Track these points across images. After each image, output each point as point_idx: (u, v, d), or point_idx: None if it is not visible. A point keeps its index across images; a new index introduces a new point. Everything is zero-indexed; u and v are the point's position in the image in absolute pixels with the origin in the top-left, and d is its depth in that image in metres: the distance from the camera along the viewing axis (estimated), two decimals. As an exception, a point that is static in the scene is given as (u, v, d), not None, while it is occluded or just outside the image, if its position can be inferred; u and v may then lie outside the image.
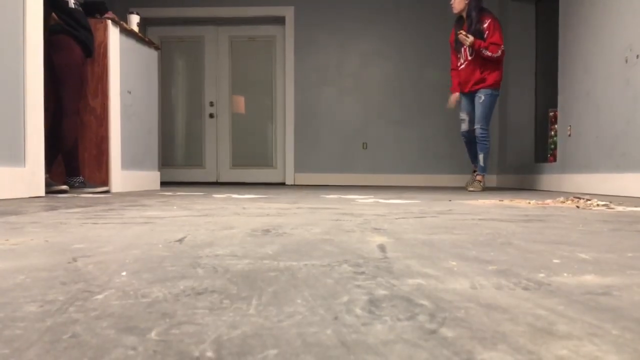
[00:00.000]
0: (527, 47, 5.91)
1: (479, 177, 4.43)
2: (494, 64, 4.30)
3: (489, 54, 4.22)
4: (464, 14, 4.33)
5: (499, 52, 4.23)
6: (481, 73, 4.32)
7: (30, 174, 2.82)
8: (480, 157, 4.40)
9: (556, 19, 4.81)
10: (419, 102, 6.44)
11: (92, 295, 0.59)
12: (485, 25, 4.24)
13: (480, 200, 2.80)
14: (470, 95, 4.45)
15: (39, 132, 2.91)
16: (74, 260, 0.83)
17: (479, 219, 1.62)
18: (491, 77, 4.31)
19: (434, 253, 0.92)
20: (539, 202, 2.54)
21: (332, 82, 6.53)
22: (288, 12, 6.52)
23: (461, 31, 4.24)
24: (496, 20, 4.30)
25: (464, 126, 4.55)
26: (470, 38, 4.21)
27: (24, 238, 1.09)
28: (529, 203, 2.52)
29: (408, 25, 6.44)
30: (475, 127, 4.39)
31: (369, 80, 6.50)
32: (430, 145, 6.44)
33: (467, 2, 4.28)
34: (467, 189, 4.54)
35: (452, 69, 4.64)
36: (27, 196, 2.78)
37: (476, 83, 4.35)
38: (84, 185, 3.50)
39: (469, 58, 4.37)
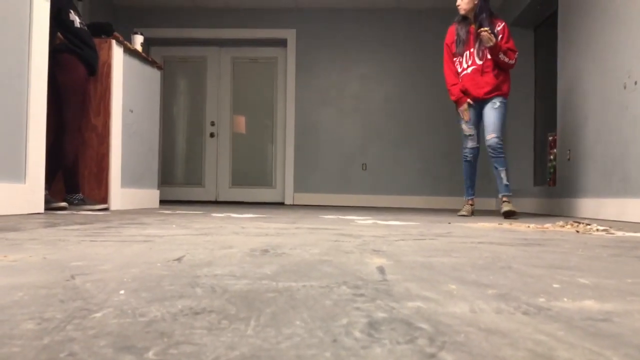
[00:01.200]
0: (527, 71, 5.97)
1: (508, 197, 3.75)
2: (506, 72, 3.82)
3: (507, 60, 3.72)
4: (471, 16, 3.81)
5: (515, 59, 3.77)
6: (497, 79, 3.76)
7: (30, 190, 2.82)
8: (503, 174, 3.76)
9: (555, 44, 4.87)
10: (418, 124, 6.47)
11: (90, 314, 0.59)
12: (499, 29, 3.76)
13: (479, 224, 2.80)
14: (479, 105, 3.86)
15: (40, 149, 2.92)
16: (72, 277, 0.82)
17: (478, 242, 1.62)
18: (506, 86, 3.82)
19: (433, 276, 0.92)
20: (538, 226, 2.54)
21: (332, 104, 6.57)
22: (290, 35, 6.60)
23: (485, 28, 3.64)
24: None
25: (471, 143, 3.91)
26: (494, 38, 3.64)
27: (22, 255, 1.09)
28: (528, 227, 2.52)
29: (408, 47, 6.52)
30: (491, 136, 3.74)
31: (369, 101, 6.54)
32: (430, 166, 6.45)
33: (476, 2, 3.76)
34: (459, 215, 3.94)
35: (448, 76, 3.96)
36: (26, 212, 2.78)
37: (492, 90, 3.77)
38: (83, 202, 3.50)
39: (478, 62, 3.80)
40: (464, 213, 3.92)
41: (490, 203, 6.34)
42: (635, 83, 3.43)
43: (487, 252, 1.34)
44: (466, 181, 4.04)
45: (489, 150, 3.77)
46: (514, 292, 0.78)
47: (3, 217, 2.42)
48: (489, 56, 3.76)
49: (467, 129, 3.89)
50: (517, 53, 3.77)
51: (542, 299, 0.73)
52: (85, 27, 3.55)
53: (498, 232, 2.17)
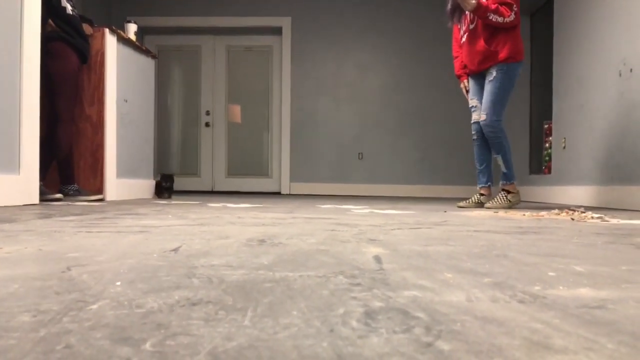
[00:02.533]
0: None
1: (508, 187, 3.43)
2: (506, 32, 3.21)
3: (498, 18, 3.12)
4: None
5: (512, 15, 3.13)
6: (489, 45, 3.22)
7: (24, 181, 2.81)
8: (500, 161, 3.37)
9: (551, 31, 4.85)
10: (416, 112, 6.46)
11: (87, 305, 0.59)
12: None
13: (475, 212, 2.81)
14: (481, 76, 3.40)
15: (34, 140, 2.90)
16: (68, 269, 0.82)
17: (474, 231, 1.63)
18: (505, 50, 3.20)
19: (429, 265, 0.92)
20: (534, 214, 2.55)
21: (328, 92, 6.55)
22: (285, 23, 6.56)
23: None
24: None
25: (474, 116, 3.46)
26: (472, 0, 3.09)
27: (18, 246, 1.09)
28: (524, 215, 2.53)
29: (405, 34, 6.48)
30: (482, 118, 3.30)
31: (365, 89, 6.52)
32: (427, 155, 6.45)
33: None
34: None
35: (453, 47, 3.62)
36: (21, 204, 2.77)
37: (485, 60, 3.26)
38: (78, 193, 3.48)
39: (470, 28, 3.32)
40: (462, 204, 3.52)
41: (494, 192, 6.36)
42: (631, 70, 3.43)
43: (483, 240, 1.35)
44: (476, 164, 3.59)
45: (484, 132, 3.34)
46: (509, 281, 0.78)
47: (-2, 209, 2.41)
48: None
49: (470, 101, 3.50)
50: (514, 6, 3.15)
51: (537, 287, 0.73)
52: (77, 15, 3.51)
53: (493, 220, 2.18)
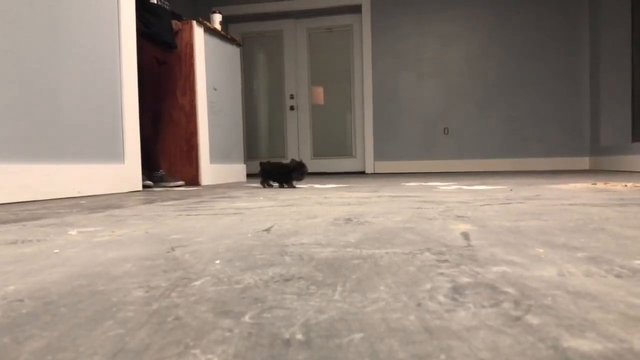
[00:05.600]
0: (622, 13, 5.48)
1: None
2: None
3: None
4: None
5: None
6: None
7: (128, 170, 3.03)
8: None
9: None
10: (503, 82, 6.19)
11: (190, 282, 0.64)
12: None
13: (571, 185, 2.67)
14: None
15: (135, 131, 3.12)
16: (172, 249, 0.89)
17: (569, 204, 1.55)
18: None
19: (519, 240, 0.90)
20: (637, 185, 2.38)
21: (411, 67, 6.42)
22: (364, 0, 6.49)
23: None
24: None
25: None
26: None
27: (127, 230, 1.19)
28: (626, 186, 2.37)
29: (489, 3, 6.19)
30: None
31: (449, 62, 6.33)
32: (517, 127, 6.17)
33: None
34: None
35: None
36: (127, 190, 3.00)
37: None
38: (161, 179, 3.66)
39: None
40: None
41: (582, 162, 5.99)
42: None
43: (578, 214, 1.29)
44: None
45: None
46: (606, 255, 0.75)
47: (108, 196, 2.63)
48: None
49: None
50: None
51: (637, 261, 0.70)
52: (165, 5, 3.64)
53: (591, 192, 2.06)
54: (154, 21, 3.53)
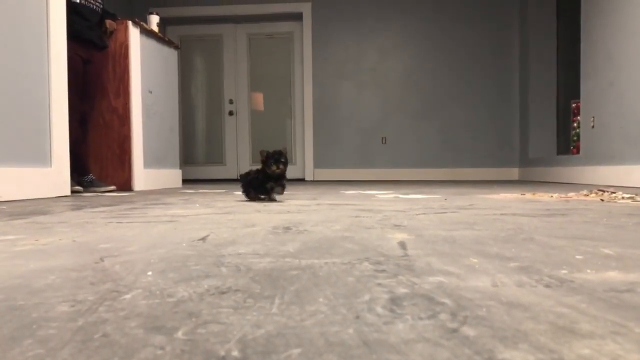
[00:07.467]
0: (548, 36, 5.82)
1: None
2: None
3: None
4: None
5: None
6: None
7: (56, 173, 2.88)
8: None
9: (578, 7, 4.72)
10: (438, 94, 6.39)
11: (120, 295, 0.61)
12: None
13: (501, 195, 2.78)
14: None
15: (64, 133, 2.97)
16: (101, 260, 0.85)
17: (501, 214, 1.61)
18: None
19: (455, 250, 0.92)
20: (562, 196, 2.51)
21: (350, 77, 6.51)
22: (305, 8, 6.52)
23: None
24: None
25: None
26: None
27: (52, 238, 1.12)
28: (552, 197, 2.49)
29: (426, 17, 6.39)
30: None
31: (387, 73, 6.47)
32: (451, 137, 6.39)
33: None
34: None
35: None
36: (54, 195, 2.84)
37: None
38: (91, 184, 3.51)
39: None
40: None
41: (512, 173, 6.27)
42: (663, 45, 3.32)
43: (509, 223, 1.34)
44: None
45: None
46: (536, 265, 0.78)
47: (33, 201, 2.48)
48: None
49: None
50: None
51: (564, 271, 0.73)
52: (91, 4, 3.50)
53: (520, 203, 2.15)
54: (76, 19, 3.38)
